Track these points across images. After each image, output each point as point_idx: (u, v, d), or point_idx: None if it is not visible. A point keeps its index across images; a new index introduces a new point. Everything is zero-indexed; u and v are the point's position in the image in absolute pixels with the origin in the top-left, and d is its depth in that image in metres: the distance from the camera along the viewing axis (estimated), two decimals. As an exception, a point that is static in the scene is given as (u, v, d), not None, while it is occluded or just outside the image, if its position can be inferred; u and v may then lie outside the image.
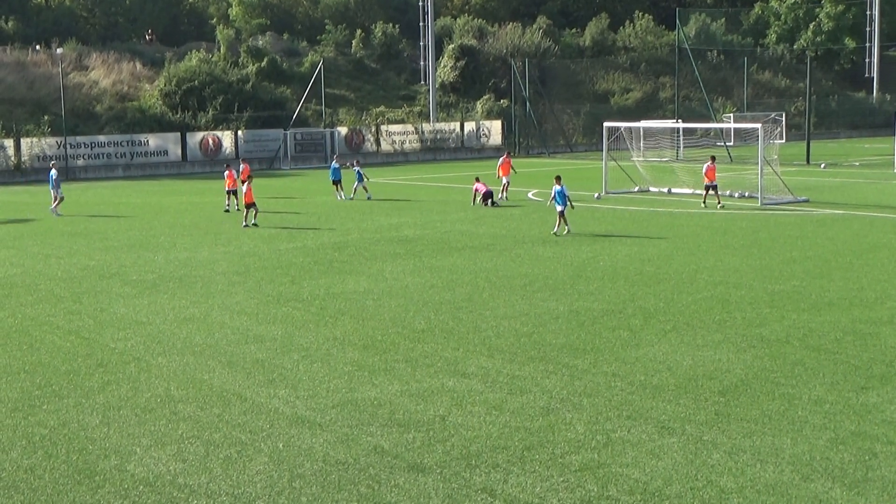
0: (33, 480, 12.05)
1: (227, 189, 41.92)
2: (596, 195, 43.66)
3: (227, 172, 42.35)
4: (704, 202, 39.47)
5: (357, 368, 16.61)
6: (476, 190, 41.88)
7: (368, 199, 45.07)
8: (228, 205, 41.71)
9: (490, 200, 41.11)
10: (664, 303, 21.26)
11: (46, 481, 12.00)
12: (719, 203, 39.01)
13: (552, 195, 32.74)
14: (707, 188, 39.60)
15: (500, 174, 44.19)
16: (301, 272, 26.23)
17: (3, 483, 11.98)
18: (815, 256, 27.04)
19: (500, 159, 45.44)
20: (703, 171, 39.92)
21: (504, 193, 43.57)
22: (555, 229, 32.15)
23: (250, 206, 36.07)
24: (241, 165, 44.56)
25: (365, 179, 46.59)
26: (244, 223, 35.90)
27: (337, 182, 45.96)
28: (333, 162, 48.19)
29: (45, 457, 12.80)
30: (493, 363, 16.75)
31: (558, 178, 32.93)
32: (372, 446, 12.90)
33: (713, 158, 40.25)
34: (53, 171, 43.31)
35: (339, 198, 45.46)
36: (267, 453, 12.75)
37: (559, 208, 32.04)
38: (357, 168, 46.92)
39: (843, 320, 19.29)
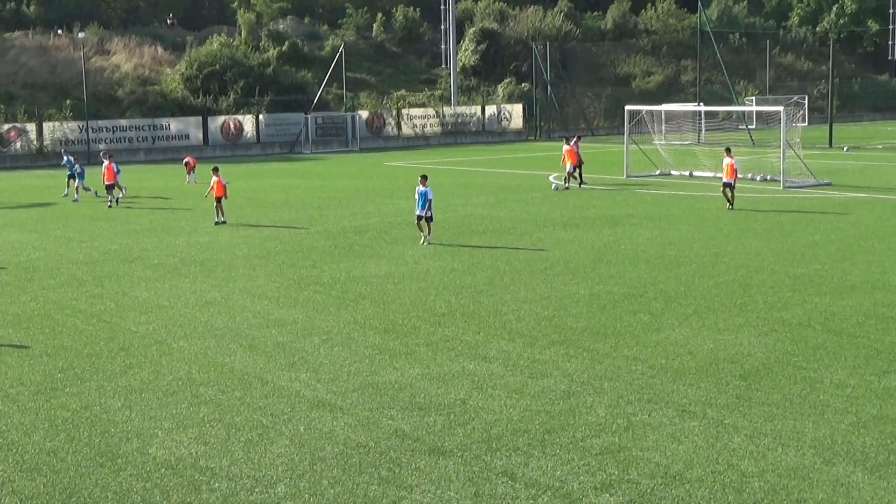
0: (56, 463, 12.13)
1: (105, 183, 39.42)
2: (555, 186, 42.22)
3: (105, 164, 39.64)
4: (731, 203, 33.43)
5: (378, 352, 16.64)
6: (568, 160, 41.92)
7: (95, 194, 42.73)
8: (111, 202, 39.25)
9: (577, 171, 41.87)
10: (685, 286, 21.20)
11: (69, 464, 12.08)
12: (729, 204, 33.33)
13: (416, 197, 27.91)
14: (725, 186, 33.52)
15: (566, 161, 41.96)
16: (322, 256, 26.27)
17: (26, 465, 12.07)
18: (836, 240, 26.90)
19: (565, 147, 42.56)
20: (723, 166, 33.97)
21: (568, 183, 41.76)
22: (421, 240, 27.78)
23: (111, 186, 39.50)
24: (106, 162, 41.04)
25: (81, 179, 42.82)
26: (109, 203, 39.30)
27: (71, 177, 42.90)
28: (68, 156, 45.04)
29: (68, 439, 12.88)
30: (514, 347, 16.75)
31: (423, 178, 28.07)
32: (393, 429, 12.92)
33: (728, 151, 34.41)
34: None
35: (68, 194, 42.79)
36: (288, 436, 12.79)
37: (418, 212, 27.70)
38: (69, 160, 44.08)
39: (865, 304, 19.19)
